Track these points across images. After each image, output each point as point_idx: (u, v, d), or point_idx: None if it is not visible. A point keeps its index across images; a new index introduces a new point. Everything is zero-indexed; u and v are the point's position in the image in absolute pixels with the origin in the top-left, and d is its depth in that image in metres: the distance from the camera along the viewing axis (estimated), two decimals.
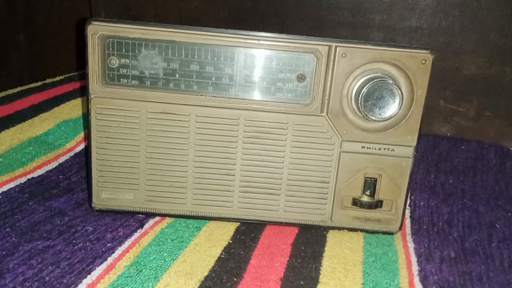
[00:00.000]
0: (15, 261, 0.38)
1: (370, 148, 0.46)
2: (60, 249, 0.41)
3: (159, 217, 0.48)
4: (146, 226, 0.46)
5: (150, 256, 0.41)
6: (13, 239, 0.42)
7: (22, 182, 0.52)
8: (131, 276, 0.38)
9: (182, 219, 0.48)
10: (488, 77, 0.75)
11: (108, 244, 0.42)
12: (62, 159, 0.59)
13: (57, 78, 0.79)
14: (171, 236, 0.44)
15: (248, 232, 0.47)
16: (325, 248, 0.45)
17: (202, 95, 0.45)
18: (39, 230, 0.43)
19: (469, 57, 0.75)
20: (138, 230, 0.45)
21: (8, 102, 0.66)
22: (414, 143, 0.46)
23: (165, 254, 0.41)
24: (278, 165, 0.46)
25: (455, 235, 0.49)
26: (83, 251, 0.41)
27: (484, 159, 0.68)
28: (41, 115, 0.65)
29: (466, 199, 0.57)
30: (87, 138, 0.48)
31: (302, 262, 0.42)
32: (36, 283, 0.36)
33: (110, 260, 0.40)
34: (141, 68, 0.44)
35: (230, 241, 0.45)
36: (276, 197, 0.47)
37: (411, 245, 0.46)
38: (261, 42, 0.44)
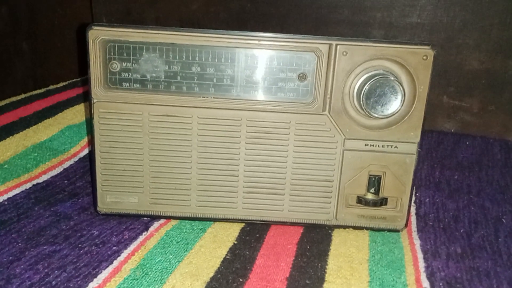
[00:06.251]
0: (22, 266, 0.39)
1: (373, 145, 0.46)
2: (66, 254, 0.41)
3: (164, 220, 0.48)
4: (151, 228, 0.46)
5: (156, 258, 0.41)
6: (20, 244, 0.42)
7: (28, 187, 0.52)
8: (137, 279, 0.38)
9: (186, 221, 0.48)
10: (491, 72, 0.75)
11: (114, 248, 0.42)
12: (67, 164, 0.59)
13: (60, 84, 0.79)
14: (176, 238, 0.45)
15: (253, 233, 0.47)
16: (331, 247, 0.45)
17: (204, 97, 0.45)
18: (45, 235, 0.44)
19: (471, 52, 0.75)
20: (143, 233, 0.45)
21: (12, 109, 0.67)
22: (418, 140, 0.46)
23: (171, 256, 0.41)
24: (281, 165, 0.46)
25: (461, 231, 0.49)
26: (89, 254, 0.41)
27: (489, 154, 0.68)
28: (45, 121, 0.65)
29: (472, 194, 0.57)
30: (91, 142, 0.48)
31: (308, 261, 0.42)
32: (43, 287, 0.36)
33: (116, 263, 0.40)
34: (142, 71, 0.44)
35: (235, 242, 0.45)
36: (280, 197, 0.47)
37: (417, 242, 0.46)
38: (261, 42, 0.44)
